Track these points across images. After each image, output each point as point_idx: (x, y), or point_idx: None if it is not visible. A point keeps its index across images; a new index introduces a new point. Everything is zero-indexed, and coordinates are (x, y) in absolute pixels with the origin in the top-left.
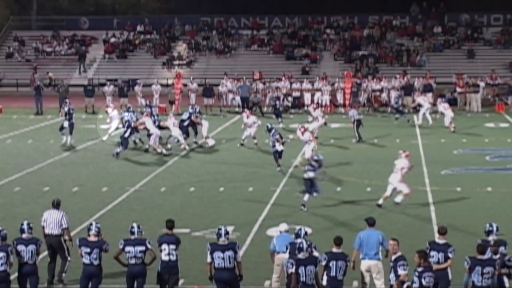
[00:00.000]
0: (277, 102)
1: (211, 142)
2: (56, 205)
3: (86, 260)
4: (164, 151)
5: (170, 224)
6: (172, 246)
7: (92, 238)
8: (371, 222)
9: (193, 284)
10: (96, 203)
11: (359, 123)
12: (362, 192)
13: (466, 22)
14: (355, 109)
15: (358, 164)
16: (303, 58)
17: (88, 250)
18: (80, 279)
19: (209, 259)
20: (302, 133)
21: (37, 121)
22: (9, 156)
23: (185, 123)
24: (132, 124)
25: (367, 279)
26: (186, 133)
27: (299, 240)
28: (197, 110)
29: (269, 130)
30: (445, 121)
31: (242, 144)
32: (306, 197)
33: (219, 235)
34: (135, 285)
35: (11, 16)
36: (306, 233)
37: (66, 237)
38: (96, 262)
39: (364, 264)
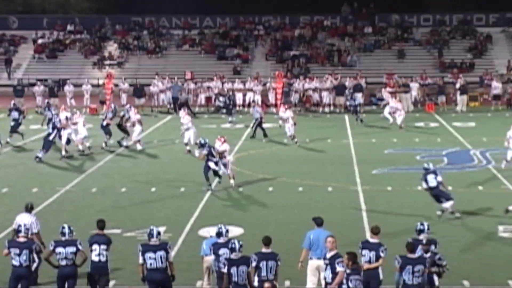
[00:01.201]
0: (225, 99)
1: (139, 147)
2: (30, 208)
3: (15, 262)
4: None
5: (101, 225)
6: (103, 247)
7: (22, 239)
8: (319, 222)
9: (124, 285)
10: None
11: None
12: (294, 192)
13: (396, 22)
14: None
15: (290, 164)
16: (234, 58)
17: (17, 251)
18: (9, 281)
19: (141, 260)
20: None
21: None
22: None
23: (104, 123)
24: (59, 125)
25: (314, 279)
26: (108, 134)
27: (221, 240)
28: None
29: (202, 145)
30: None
31: (189, 151)
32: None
33: (150, 235)
34: (66, 286)
35: None
36: (227, 231)
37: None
38: (25, 264)
39: (313, 264)
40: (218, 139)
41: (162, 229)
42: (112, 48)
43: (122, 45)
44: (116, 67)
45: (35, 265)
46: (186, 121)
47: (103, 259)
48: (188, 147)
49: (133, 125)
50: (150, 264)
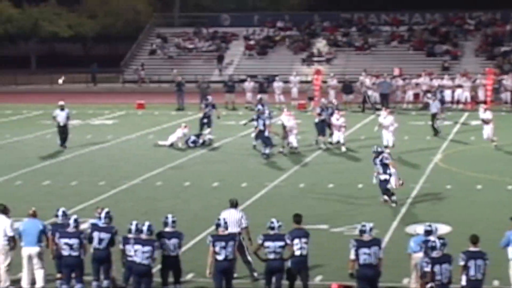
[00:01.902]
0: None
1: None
2: (235, 204)
3: (221, 256)
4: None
5: (298, 219)
6: (304, 240)
7: (225, 232)
8: None
9: (330, 280)
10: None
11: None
12: (503, 191)
13: None
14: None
15: (500, 162)
16: (443, 55)
17: (223, 244)
18: (214, 276)
19: (353, 256)
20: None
21: (179, 116)
22: (151, 151)
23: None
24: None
25: None
26: (321, 131)
27: (431, 238)
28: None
29: (378, 154)
30: None
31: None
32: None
33: (363, 231)
34: (274, 280)
35: (154, 13)
36: (436, 229)
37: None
38: (231, 256)
39: None
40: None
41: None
42: (320, 44)
43: (331, 42)
44: (324, 64)
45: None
46: (388, 122)
47: (304, 253)
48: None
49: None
50: (364, 259)
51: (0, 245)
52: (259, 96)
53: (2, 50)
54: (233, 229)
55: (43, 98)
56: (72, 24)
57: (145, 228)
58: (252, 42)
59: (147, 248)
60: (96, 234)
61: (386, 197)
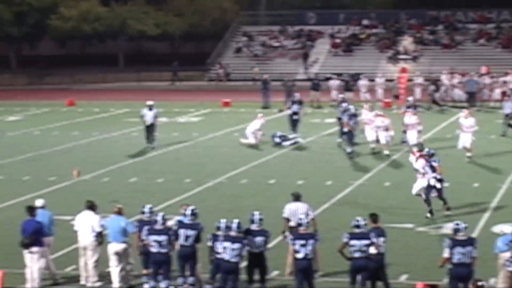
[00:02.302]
0: None
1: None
2: (299, 197)
3: (300, 254)
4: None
5: (375, 217)
6: (382, 239)
7: (303, 231)
8: None
9: (416, 279)
10: (320, 196)
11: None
12: None
13: None
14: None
15: None
16: None
17: (303, 242)
18: (295, 276)
19: (447, 254)
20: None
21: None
22: (236, 148)
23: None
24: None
25: None
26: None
27: None
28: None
29: (429, 156)
30: None
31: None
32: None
33: (458, 230)
34: (360, 278)
35: (240, 11)
36: None
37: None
38: (310, 256)
39: None
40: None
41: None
42: (407, 42)
43: (417, 40)
44: (410, 62)
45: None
46: (468, 124)
47: (382, 251)
48: (469, 154)
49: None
50: (458, 259)
51: (88, 241)
52: (341, 95)
53: (91, 49)
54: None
55: (130, 95)
56: (160, 23)
57: (234, 225)
58: (337, 40)
59: (236, 245)
60: (182, 231)
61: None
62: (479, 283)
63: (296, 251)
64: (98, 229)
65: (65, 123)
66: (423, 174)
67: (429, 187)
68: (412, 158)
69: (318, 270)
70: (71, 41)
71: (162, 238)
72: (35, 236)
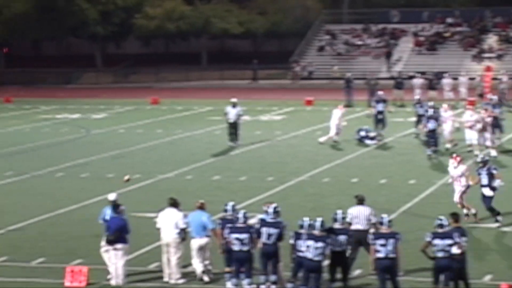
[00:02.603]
0: None
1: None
2: (363, 201)
3: (381, 254)
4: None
5: (456, 217)
6: (464, 238)
7: (385, 231)
8: None
9: (500, 280)
10: (403, 195)
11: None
12: None
13: None
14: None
15: None
16: None
17: (383, 242)
18: (377, 275)
19: None
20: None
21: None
22: (318, 147)
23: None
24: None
25: None
26: (498, 128)
27: None
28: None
29: (484, 163)
30: None
31: None
32: None
33: None
34: (443, 278)
35: (323, 9)
36: None
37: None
38: (392, 255)
39: None
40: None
41: None
42: (491, 40)
43: (503, 38)
44: (495, 60)
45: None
46: None
47: (457, 251)
48: None
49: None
50: None
51: (171, 238)
52: (416, 97)
53: (174, 47)
54: (362, 225)
55: (213, 94)
56: (243, 21)
57: (318, 223)
58: (421, 38)
59: (320, 244)
60: (265, 230)
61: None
62: None
63: (377, 251)
64: (182, 226)
65: (149, 121)
66: (458, 179)
67: (486, 197)
68: (452, 162)
69: (400, 269)
70: (155, 40)
71: (244, 236)
72: (119, 233)
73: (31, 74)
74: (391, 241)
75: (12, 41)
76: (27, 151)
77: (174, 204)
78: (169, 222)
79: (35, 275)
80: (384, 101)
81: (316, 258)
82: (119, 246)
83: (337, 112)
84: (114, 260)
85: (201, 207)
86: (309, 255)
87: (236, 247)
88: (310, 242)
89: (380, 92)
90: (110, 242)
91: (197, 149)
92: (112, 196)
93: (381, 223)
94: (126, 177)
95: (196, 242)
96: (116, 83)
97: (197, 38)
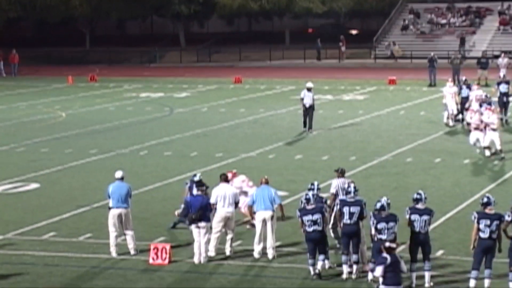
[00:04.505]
0: None
1: None
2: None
3: (484, 234)
4: None
5: None
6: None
7: (490, 211)
8: None
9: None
10: (486, 177)
11: None
12: None
13: None
14: None
15: None
16: None
17: (488, 222)
18: (475, 254)
19: None
20: None
21: (430, 92)
22: (401, 127)
23: None
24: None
25: None
26: None
27: None
28: None
29: None
30: None
31: None
32: None
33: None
34: None
35: None
36: None
37: None
38: (494, 236)
39: None
40: None
41: None
42: None
43: None
44: None
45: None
46: None
47: None
48: None
49: None
50: None
51: (230, 213)
52: (501, 75)
53: (257, 26)
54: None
55: (296, 73)
56: (326, 0)
57: (385, 203)
58: (506, 17)
59: (391, 224)
60: (346, 209)
61: None
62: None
63: (481, 230)
64: (238, 200)
65: (231, 100)
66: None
67: None
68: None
69: (500, 251)
70: (238, 19)
71: (316, 216)
72: (202, 211)
73: (115, 53)
74: (495, 222)
75: (97, 20)
76: (111, 129)
77: (226, 179)
78: (225, 197)
79: (119, 252)
80: (506, 82)
81: (390, 238)
82: (202, 224)
83: (450, 89)
84: (197, 238)
85: (267, 182)
86: (383, 236)
87: (309, 228)
88: (383, 224)
89: (502, 72)
90: (193, 220)
91: (279, 128)
92: (118, 174)
93: (488, 204)
94: None
95: (262, 215)
96: (199, 62)
97: (280, 17)
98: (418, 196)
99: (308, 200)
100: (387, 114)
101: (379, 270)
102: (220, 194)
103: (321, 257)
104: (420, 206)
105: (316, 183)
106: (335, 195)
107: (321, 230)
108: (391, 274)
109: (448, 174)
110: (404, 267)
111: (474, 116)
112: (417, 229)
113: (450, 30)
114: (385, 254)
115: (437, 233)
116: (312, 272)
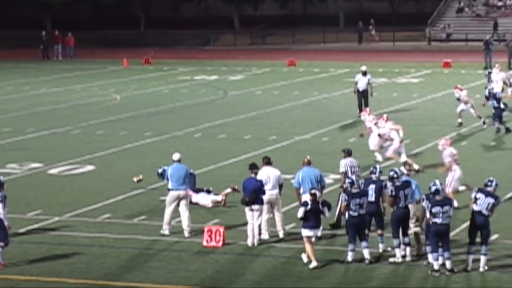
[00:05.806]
0: None
1: None
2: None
3: None
4: None
5: None
6: None
7: None
8: None
9: None
10: None
11: None
12: None
13: None
14: None
15: None
16: None
17: None
18: None
19: None
20: None
21: (485, 76)
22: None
23: None
24: None
25: None
26: None
27: None
28: None
29: None
30: None
31: None
32: None
33: None
34: None
35: None
36: None
37: None
38: None
39: None
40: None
41: None
42: None
43: None
44: None
45: None
46: None
47: None
48: None
49: None
50: None
51: (275, 195)
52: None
53: (311, 9)
54: None
55: (350, 56)
56: None
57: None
58: None
59: (446, 208)
60: (401, 193)
61: None
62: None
63: None
64: (282, 182)
65: (285, 83)
66: None
67: None
68: None
69: None
70: (292, 2)
71: (363, 200)
72: (255, 194)
73: (169, 36)
74: None
75: (151, 3)
76: (166, 111)
77: (269, 162)
78: (268, 180)
79: (172, 231)
80: None
81: (445, 222)
82: (255, 207)
83: (497, 75)
84: (251, 220)
85: (309, 163)
86: (438, 220)
87: (355, 212)
88: (437, 208)
89: None
90: (246, 203)
91: (334, 111)
92: (176, 156)
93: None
94: (137, 178)
95: (306, 197)
96: (253, 45)
97: None
98: (488, 183)
99: (351, 184)
100: (442, 97)
101: (300, 212)
102: (264, 177)
103: (364, 244)
104: (489, 189)
105: (378, 167)
106: (345, 173)
107: (363, 214)
108: (311, 217)
109: (503, 158)
110: (326, 213)
111: None
112: (478, 208)
113: (506, 12)
114: (307, 200)
115: (493, 217)
116: (350, 259)
